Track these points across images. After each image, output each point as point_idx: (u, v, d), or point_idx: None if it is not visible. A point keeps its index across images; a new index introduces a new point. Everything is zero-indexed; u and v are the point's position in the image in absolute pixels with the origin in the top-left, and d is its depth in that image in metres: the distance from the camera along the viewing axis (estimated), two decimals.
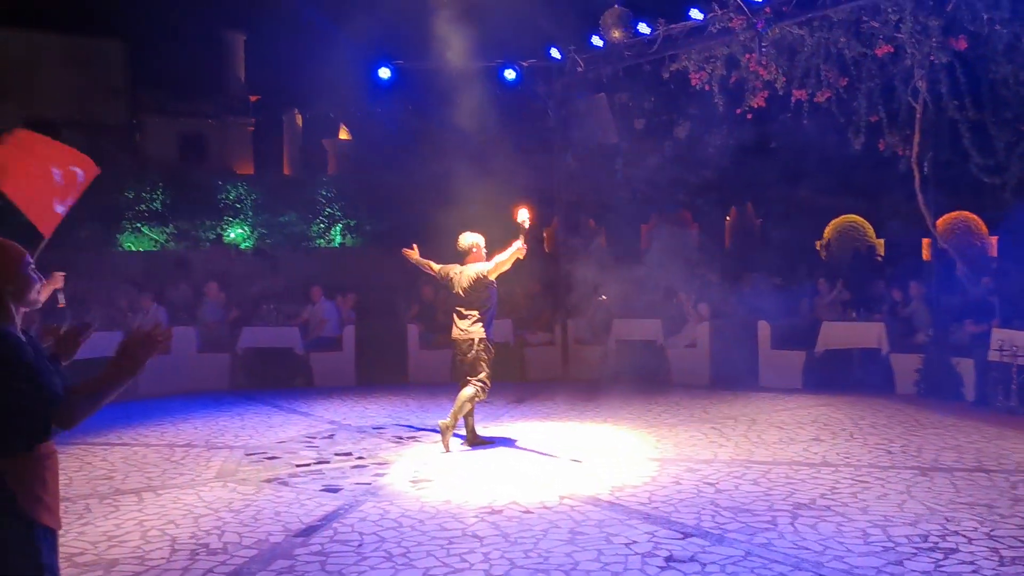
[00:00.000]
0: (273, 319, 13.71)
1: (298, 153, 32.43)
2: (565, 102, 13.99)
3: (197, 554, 5.72)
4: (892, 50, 10.36)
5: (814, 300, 13.47)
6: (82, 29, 29.27)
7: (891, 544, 5.63)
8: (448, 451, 8.57)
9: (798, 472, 7.55)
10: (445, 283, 8.96)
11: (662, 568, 5.29)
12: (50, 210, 6.10)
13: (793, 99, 11.30)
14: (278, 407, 11.41)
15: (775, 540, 5.76)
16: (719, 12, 11.08)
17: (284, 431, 9.86)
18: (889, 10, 10.01)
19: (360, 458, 8.46)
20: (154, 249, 20.33)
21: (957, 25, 9.89)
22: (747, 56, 11.25)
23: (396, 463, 8.23)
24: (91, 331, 3.42)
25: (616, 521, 6.24)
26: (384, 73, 13.51)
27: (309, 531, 6.15)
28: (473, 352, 8.57)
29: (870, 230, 20.03)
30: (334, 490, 7.27)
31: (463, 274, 8.66)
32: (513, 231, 8.49)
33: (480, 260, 8.69)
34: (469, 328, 8.60)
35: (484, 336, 8.61)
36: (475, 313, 8.61)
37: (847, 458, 8.04)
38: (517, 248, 8.43)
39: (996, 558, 5.35)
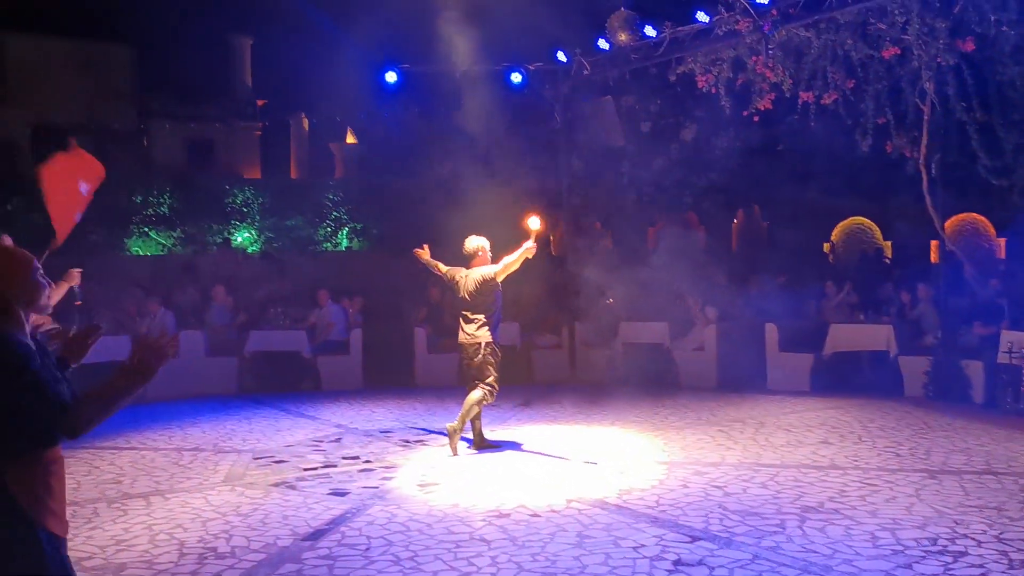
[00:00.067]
0: (280, 323, 13.73)
1: (305, 157, 32.47)
2: (571, 105, 14.00)
3: (205, 558, 5.73)
4: (899, 52, 10.35)
5: (821, 302, 13.44)
6: (90, 34, 29.38)
7: (900, 547, 5.62)
8: (456, 454, 8.56)
9: (806, 475, 7.53)
10: (451, 286, 8.97)
11: (670, 572, 5.28)
12: (71, 219, 6.36)
13: (800, 101, 11.30)
14: (285, 411, 11.42)
15: (783, 543, 5.74)
16: (725, 15, 11.08)
17: (291, 435, 9.87)
18: (896, 12, 10.00)
19: (367, 462, 8.46)
20: (162, 253, 20.38)
21: (964, 27, 9.88)
22: (753, 58, 11.24)
23: (403, 467, 8.23)
24: (100, 333, 3.42)
25: (624, 524, 6.23)
26: (390, 77, 13.53)
27: (317, 535, 6.16)
28: (480, 356, 8.56)
29: (877, 232, 19.98)
30: (341, 494, 7.28)
31: (468, 277, 8.65)
32: (520, 234, 8.50)
33: (486, 264, 8.69)
34: (475, 332, 8.60)
35: (491, 340, 8.60)
36: (481, 317, 8.60)
37: (855, 461, 8.02)
38: (527, 247, 8.43)
39: (1006, 561, 5.33)
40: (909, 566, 5.28)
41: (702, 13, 11.28)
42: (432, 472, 7.98)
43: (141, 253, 20.26)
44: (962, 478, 7.31)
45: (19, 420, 2.79)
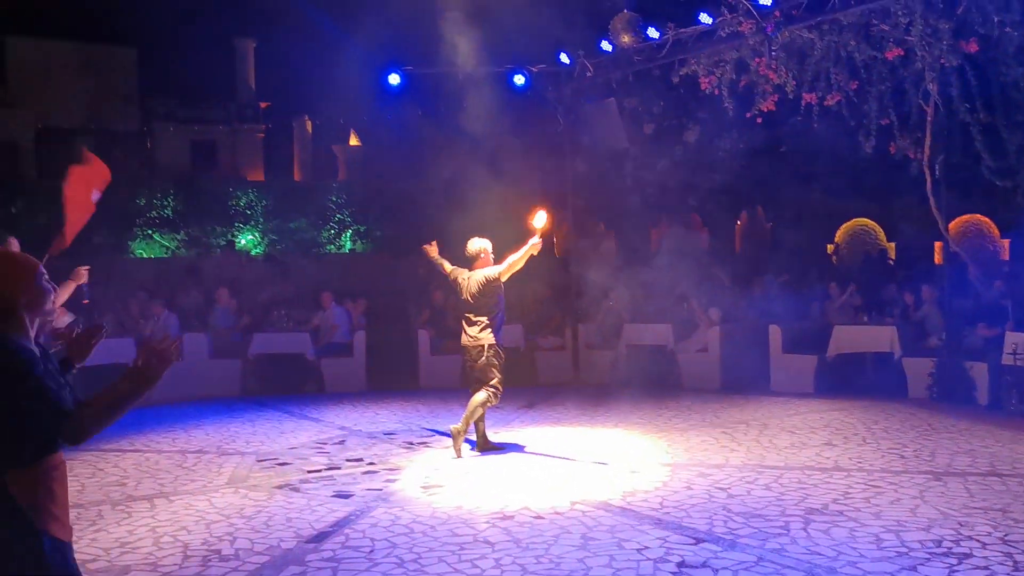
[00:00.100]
0: (284, 325, 13.75)
1: (308, 159, 32.50)
2: (574, 107, 13.99)
3: (209, 560, 5.73)
4: (902, 53, 10.34)
5: (825, 304, 13.43)
6: (93, 36, 29.45)
7: (904, 549, 5.60)
8: (460, 456, 8.56)
9: (810, 477, 7.52)
10: (453, 288, 8.97)
11: (674, 574, 5.28)
12: (81, 225, 6.49)
13: (803, 102, 11.28)
14: (289, 413, 11.43)
15: (788, 545, 5.74)
16: (728, 16, 11.06)
17: (295, 437, 9.87)
18: (899, 13, 9.99)
19: (371, 464, 8.47)
20: (165, 256, 20.41)
21: (967, 28, 9.87)
22: (757, 60, 11.23)
23: (407, 469, 8.23)
24: (103, 333, 3.41)
25: (628, 526, 6.22)
26: (394, 79, 13.54)
27: (321, 537, 6.16)
28: (484, 358, 8.55)
29: (881, 234, 19.97)
30: (345, 496, 7.28)
31: (471, 279, 8.64)
32: (524, 235, 8.49)
33: (488, 265, 8.68)
34: (478, 335, 8.59)
35: (494, 342, 8.59)
36: (483, 319, 8.59)
37: (860, 463, 8.01)
38: (532, 244, 8.43)
39: (1010, 563, 5.32)
40: (914, 568, 5.27)
41: (705, 15, 11.27)
42: (436, 474, 7.98)
43: (145, 255, 20.30)
44: (967, 480, 7.29)
45: (21, 426, 2.79)
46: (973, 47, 9.91)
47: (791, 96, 11.34)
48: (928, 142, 10.83)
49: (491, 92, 13.98)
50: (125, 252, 19.88)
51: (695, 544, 5.81)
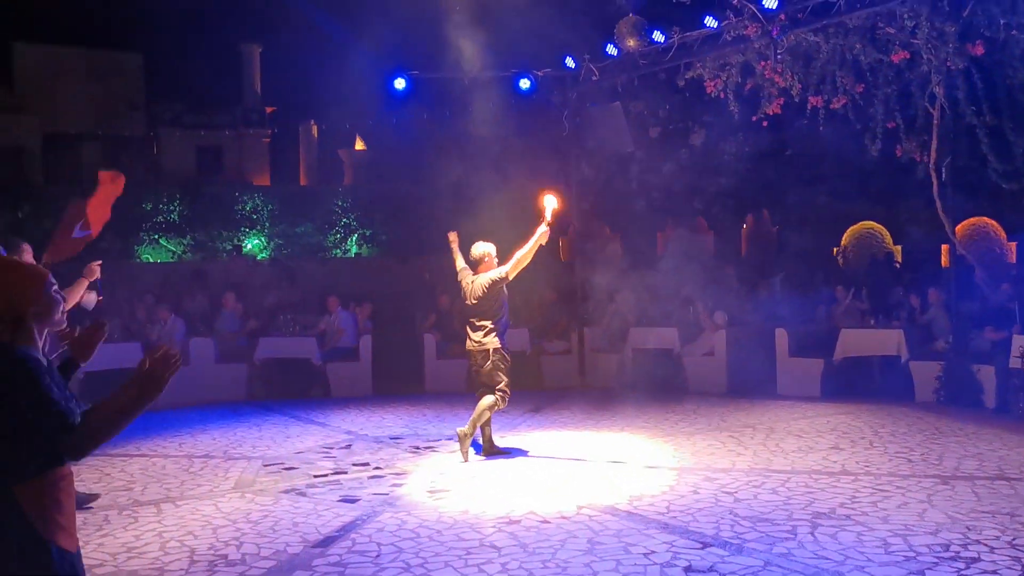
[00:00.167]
0: (290, 330, 13.75)
1: (314, 164, 32.57)
2: (580, 111, 13.99)
3: (216, 565, 5.74)
4: (908, 56, 10.32)
5: (832, 307, 13.40)
6: (100, 43, 29.57)
7: (912, 553, 5.59)
8: (466, 460, 8.56)
9: (817, 481, 7.50)
10: (460, 290, 8.94)
11: None
12: (96, 233, 6.87)
13: (809, 106, 11.27)
14: (295, 417, 11.43)
15: (795, 550, 5.72)
16: (733, 20, 11.06)
17: (301, 441, 9.88)
18: (905, 16, 9.97)
19: (377, 468, 8.46)
20: (171, 260, 20.44)
21: (973, 31, 9.85)
22: (762, 63, 11.22)
23: (413, 473, 8.23)
24: (105, 331, 3.42)
25: (634, 531, 6.21)
26: (399, 84, 13.55)
27: (327, 541, 6.16)
28: (489, 363, 8.54)
29: (888, 237, 19.91)
30: (352, 500, 7.28)
31: (475, 283, 8.62)
32: (528, 235, 8.47)
33: (492, 268, 8.66)
34: (483, 339, 8.57)
35: (499, 346, 8.57)
36: (487, 323, 8.57)
37: (867, 467, 7.99)
38: (541, 233, 8.41)
39: (1019, 567, 5.30)
40: (922, 572, 5.26)
41: (710, 18, 11.27)
42: (442, 479, 7.98)
43: (151, 260, 20.33)
44: (974, 484, 7.27)
45: (25, 437, 2.78)
46: (979, 50, 9.88)
47: (797, 99, 11.32)
48: (934, 145, 10.81)
49: (497, 96, 13.99)
50: (131, 257, 19.91)
51: (702, 548, 5.80)
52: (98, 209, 6.98)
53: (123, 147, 28.40)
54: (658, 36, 11.98)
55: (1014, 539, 5.81)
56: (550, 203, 8.55)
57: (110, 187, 7.02)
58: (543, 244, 8.53)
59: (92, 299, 6.71)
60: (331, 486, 7.80)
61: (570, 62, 13.37)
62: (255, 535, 6.35)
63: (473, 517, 6.66)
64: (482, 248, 8.72)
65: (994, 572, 5.23)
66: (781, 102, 11.51)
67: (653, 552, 5.73)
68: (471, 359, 8.79)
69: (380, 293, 15.76)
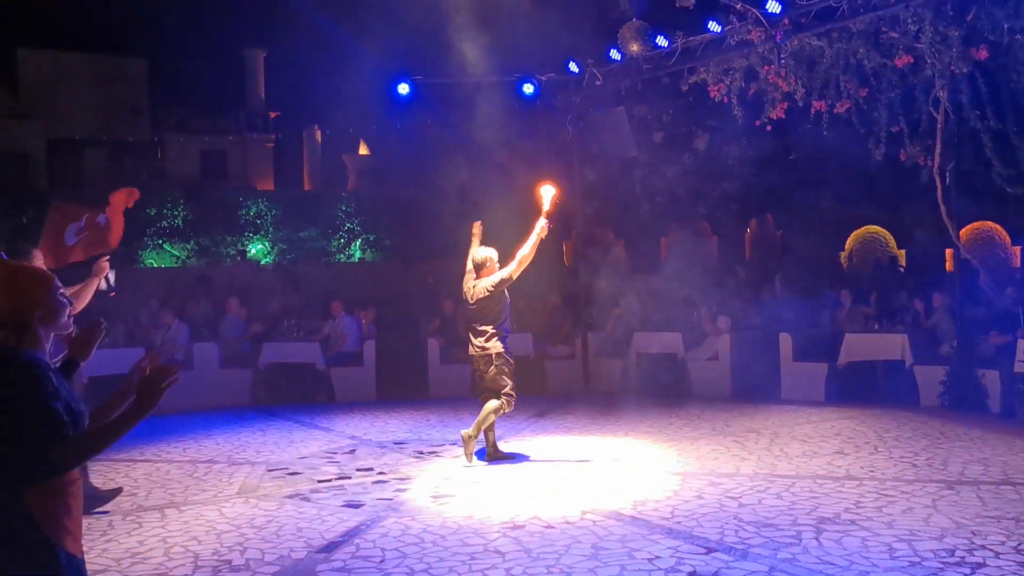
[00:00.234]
0: (294, 334, 13.76)
1: (318, 168, 32.62)
2: (584, 115, 13.98)
3: (220, 571, 5.74)
4: (912, 60, 10.31)
5: (836, 312, 13.38)
6: (105, 48, 29.67)
7: (917, 559, 5.57)
8: (470, 462, 8.56)
9: (822, 486, 7.49)
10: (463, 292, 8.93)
11: None
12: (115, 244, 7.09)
13: (813, 110, 11.27)
14: (299, 422, 11.43)
15: (799, 555, 5.71)
16: (737, 24, 11.06)
17: (305, 446, 9.87)
18: (909, 20, 9.96)
19: (381, 473, 8.46)
20: (175, 265, 20.47)
21: (977, 35, 9.84)
22: (766, 68, 11.22)
23: (417, 478, 8.22)
24: (103, 331, 3.42)
25: (639, 536, 6.20)
26: (403, 89, 13.55)
27: (331, 547, 6.15)
28: (493, 368, 8.53)
29: (892, 241, 19.88)
30: (356, 506, 7.28)
31: (477, 286, 8.62)
32: (530, 230, 8.47)
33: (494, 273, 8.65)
34: (485, 344, 8.56)
35: (501, 350, 8.55)
36: (488, 328, 8.55)
37: (871, 472, 7.97)
38: (541, 227, 8.42)
39: None
40: None
41: (714, 23, 11.26)
42: (446, 484, 7.97)
43: (155, 265, 20.36)
44: (980, 489, 7.25)
45: (18, 442, 2.78)
46: (983, 54, 9.87)
47: (800, 104, 11.32)
48: (938, 149, 10.79)
49: (500, 101, 14.00)
50: (135, 262, 19.95)
51: (706, 554, 5.79)
52: (115, 225, 7.04)
53: (127, 152, 28.48)
54: (662, 41, 11.98)
55: (1019, 544, 5.79)
56: (548, 193, 8.56)
57: (124, 202, 7.07)
58: (544, 238, 8.53)
59: (106, 280, 6.70)
60: (335, 491, 7.80)
61: (574, 67, 13.38)
62: (259, 540, 6.35)
63: (477, 522, 6.65)
64: (484, 253, 8.71)
65: None
66: (785, 106, 11.51)
67: (658, 557, 5.72)
68: (474, 365, 8.78)
69: (384, 298, 15.77)
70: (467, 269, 8.81)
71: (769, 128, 12.01)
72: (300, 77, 33.10)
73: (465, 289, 8.72)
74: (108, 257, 6.81)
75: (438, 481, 8.07)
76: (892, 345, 11.92)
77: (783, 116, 11.68)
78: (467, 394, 12.24)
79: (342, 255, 22.02)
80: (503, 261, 8.68)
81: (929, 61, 10.15)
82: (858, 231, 20.18)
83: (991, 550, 5.69)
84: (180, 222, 20.98)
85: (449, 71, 13.96)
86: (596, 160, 15.40)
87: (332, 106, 27.03)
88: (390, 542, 6.21)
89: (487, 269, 8.63)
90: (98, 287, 6.72)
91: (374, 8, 17.62)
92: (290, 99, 32.02)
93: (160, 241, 20.72)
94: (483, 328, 8.56)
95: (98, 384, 10.66)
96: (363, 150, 30.64)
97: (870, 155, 11.29)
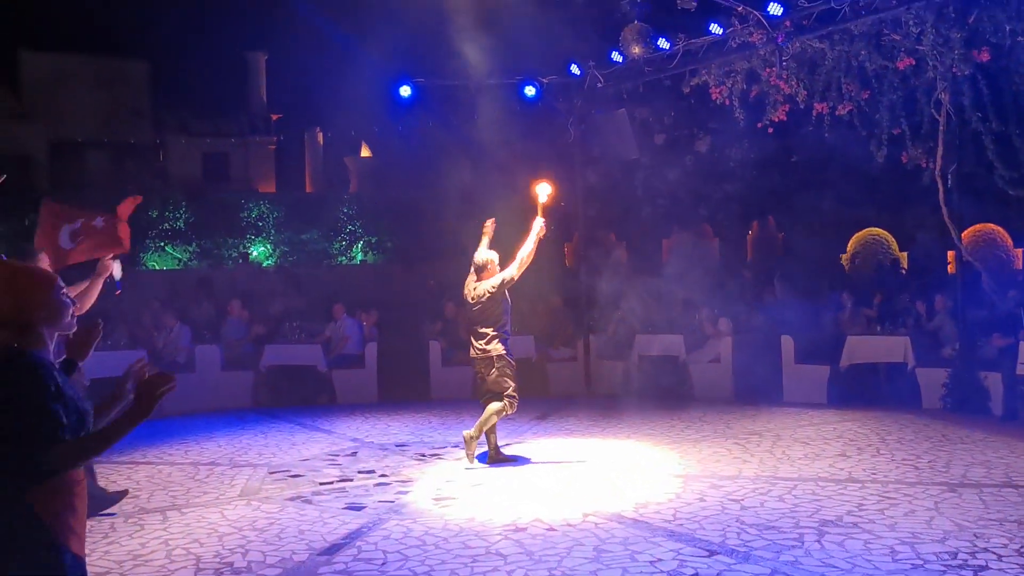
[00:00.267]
0: (296, 337, 13.76)
1: (320, 171, 32.64)
2: (585, 117, 13.98)
3: (221, 573, 5.74)
4: (914, 63, 10.30)
5: (838, 314, 13.36)
6: (107, 50, 29.69)
7: (920, 561, 5.57)
8: (472, 463, 8.56)
9: (824, 488, 7.48)
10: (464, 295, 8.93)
11: None
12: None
13: (814, 112, 11.26)
14: (301, 425, 11.43)
15: (802, 558, 5.71)
16: (739, 27, 11.05)
17: (307, 449, 9.87)
18: (910, 23, 9.96)
19: (383, 476, 8.46)
20: (178, 268, 20.48)
21: (979, 37, 9.83)
22: (767, 70, 11.22)
23: (419, 480, 8.22)
24: (100, 331, 3.42)
25: (641, 538, 6.20)
26: (405, 91, 13.54)
27: (333, 549, 6.15)
28: (495, 370, 8.53)
29: (894, 243, 19.89)
30: (357, 508, 7.27)
31: (477, 288, 8.61)
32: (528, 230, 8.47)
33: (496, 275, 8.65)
34: (486, 346, 8.56)
35: (502, 352, 8.55)
36: (489, 330, 8.55)
37: (874, 474, 7.96)
38: (539, 227, 8.45)
39: None
40: None
41: (715, 25, 11.26)
42: (448, 486, 7.97)
43: (157, 268, 20.37)
44: (982, 491, 7.25)
45: (16, 441, 2.78)
46: (985, 56, 9.87)
47: (802, 106, 11.31)
48: (940, 151, 10.79)
49: (502, 103, 14.00)
50: (137, 264, 19.96)
51: (708, 556, 5.78)
52: (123, 231, 7.05)
53: (129, 154, 28.48)
54: (663, 43, 11.97)
55: (1022, 547, 5.78)
56: (543, 191, 8.57)
57: (130, 210, 7.09)
58: (542, 237, 8.54)
59: (117, 269, 6.69)
60: (337, 493, 7.80)
61: (575, 69, 13.36)
62: (261, 543, 6.35)
63: (479, 525, 6.65)
64: (485, 256, 8.71)
65: None
66: (786, 109, 11.50)
67: (660, 560, 5.71)
68: (475, 367, 8.79)
69: (386, 300, 15.76)
70: (480, 249, 8.81)
71: (771, 130, 11.99)
72: (302, 79, 33.10)
73: (466, 291, 8.72)
74: (112, 256, 6.78)
75: (440, 483, 8.07)
76: (894, 347, 11.91)
77: (785, 118, 11.67)
78: (469, 396, 12.23)
79: (344, 257, 22.03)
80: (503, 263, 8.69)
81: (931, 63, 10.14)
82: (860, 233, 20.20)
83: (994, 553, 5.69)
84: (182, 224, 20.99)
85: (451, 73, 13.96)
86: (598, 162, 15.41)
87: (334, 108, 27.07)
88: (392, 544, 6.21)
89: (488, 271, 8.63)
90: (104, 285, 6.70)
91: (376, 10, 17.65)
92: (292, 101, 32.05)
93: (162, 243, 20.73)
94: (483, 331, 8.57)
95: (100, 386, 10.68)
96: (365, 152, 30.66)
97: (872, 157, 11.28)
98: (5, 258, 5.49)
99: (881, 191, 17.03)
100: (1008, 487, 7.37)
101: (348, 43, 20.88)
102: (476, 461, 8.68)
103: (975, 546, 5.83)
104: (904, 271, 18.60)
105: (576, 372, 14.02)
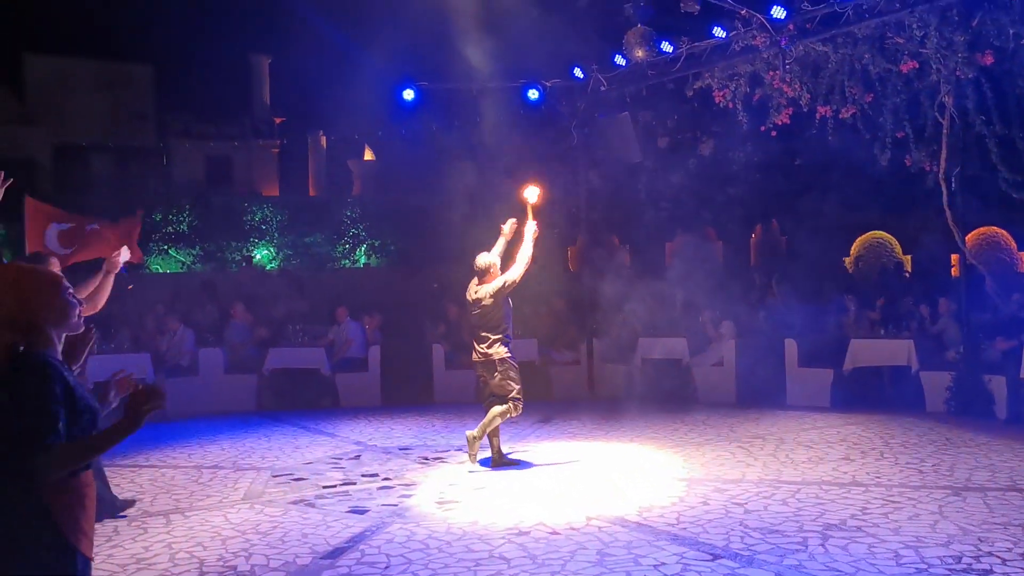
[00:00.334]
0: (299, 340, 13.77)
1: (323, 174, 32.61)
2: (588, 121, 14.00)
3: None
4: (917, 66, 10.30)
5: (841, 317, 13.35)
6: (110, 54, 29.72)
7: (924, 565, 5.56)
8: (474, 462, 8.57)
9: (828, 492, 7.47)
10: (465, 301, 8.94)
11: None
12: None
13: (818, 115, 11.25)
14: (304, 428, 11.44)
15: (806, 562, 5.69)
16: (742, 30, 11.06)
17: (310, 452, 9.87)
18: (914, 26, 9.96)
19: (386, 479, 8.46)
20: (181, 271, 20.50)
21: (983, 40, 9.83)
22: (771, 73, 11.23)
23: (423, 484, 8.22)
24: (92, 338, 3.43)
25: (644, 542, 6.19)
26: (408, 94, 13.57)
27: (336, 553, 6.15)
28: (498, 374, 8.53)
29: (897, 246, 19.87)
30: (361, 511, 7.27)
31: (479, 292, 8.61)
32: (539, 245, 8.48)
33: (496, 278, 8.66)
34: (488, 350, 8.56)
35: (505, 355, 8.55)
36: (491, 334, 8.56)
37: (878, 478, 7.95)
38: (532, 232, 8.51)
39: None
40: None
41: (719, 29, 11.27)
42: (451, 490, 7.96)
43: (161, 271, 20.39)
44: (986, 495, 7.23)
45: (16, 443, 2.78)
46: (988, 59, 9.87)
47: (805, 109, 11.31)
48: (944, 154, 10.78)
49: (505, 107, 14.01)
50: (141, 268, 19.98)
51: (712, 560, 5.77)
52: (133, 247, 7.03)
53: (133, 158, 28.51)
54: (666, 46, 11.99)
55: None
56: (532, 194, 8.64)
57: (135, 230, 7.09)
58: (536, 238, 8.60)
59: (125, 255, 6.64)
60: (340, 497, 7.79)
61: (578, 72, 13.39)
62: (264, 546, 6.35)
63: (482, 528, 6.64)
64: (487, 260, 8.71)
65: None
66: (790, 112, 11.50)
67: (663, 564, 5.71)
68: (477, 371, 8.80)
69: (389, 303, 15.76)
70: (497, 248, 8.83)
71: (774, 133, 11.99)
72: (305, 82, 33.10)
73: (468, 295, 8.73)
74: (118, 252, 6.70)
75: (443, 487, 8.07)
76: (898, 351, 11.89)
77: (788, 121, 11.67)
78: (472, 400, 12.24)
79: (347, 261, 22.03)
80: (502, 267, 8.71)
81: (934, 67, 10.14)
82: (864, 236, 20.18)
83: (998, 557, 5.67)
84: (186, 228, 21.01)
85: (454, 77, 13.98)
86: (601, 166, 15.40)
87: (337, 112, 27.05)
88: (395, 548, 6.21)
89: (490, 275, 8.64)
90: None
91: (379, 14, 17.68)
92: (295, 105, 32.03)
93: (165, 247, 20.74)
94: (485, 334, 8.58)
95: (103, 390, 10.70)
96: (368, 156, 30.64)
97: (875, 160, 11.27)
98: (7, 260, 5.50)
99: (885, 194, 17.01)
100: (1012, 491, 7.36)
101: (351, 46, 20.91)
102: (479, 465, 8.68)
103: (979, 550, 5.81)
104: (908, 274, 18.57)
105: (579, 375, 14.03)
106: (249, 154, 31.32)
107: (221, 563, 5.99)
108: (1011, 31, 9.62)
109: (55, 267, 6.02)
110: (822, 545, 6.01)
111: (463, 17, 13.31)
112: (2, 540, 2.78)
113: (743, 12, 10.82)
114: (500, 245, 8.83)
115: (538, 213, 8.74)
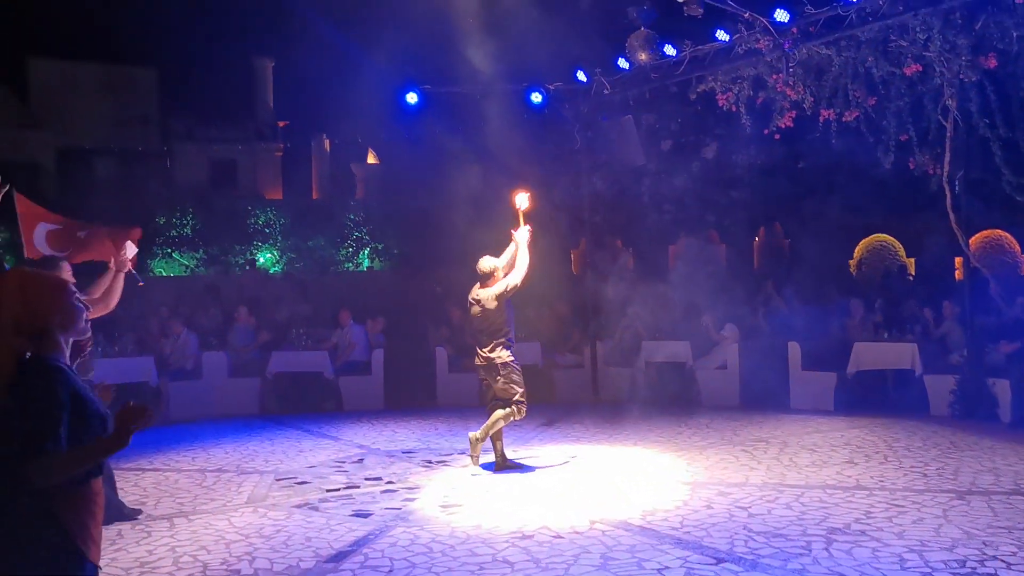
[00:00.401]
0: (302, 343, 13.78)
1: (326, 177, 32.66)
2: (592, 124, 14.00)
3: None
4: (920, 69, 10.29)
5: (845, 320, 13.33)
6: (114, 58, 29.79)
7: (928, 569, 5.55)
8: (476, 463, 8.57)
9: (832, 496, 7.46)
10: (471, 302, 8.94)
11: None
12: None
13: (821, 119, 11.25)
14: (308, 431, 11.44)
15: (810, 566, 5.69)
16: (745, 33, 11.06)
17: (314, 456, 9.88)
18: (917, 29, 9.95)
19: (390, 483, 8.46)
20: (185, 275, 20.53)
21: (986, 43, 9.82)
22: (774, 76, 11.21)
23: (426, 487, 8.22)
24: (89, 343, 3.44)
25: (648, 546, 6.18)
26: (411, 98, 13.58)
27: (340, 556, 6.15)
28: (501, 377, 8.54)
29: (901, 249, 19.85)
30: (364, 515, 7.27)
31: (481, 296, 8.62)
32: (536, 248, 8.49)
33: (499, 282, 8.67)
34: (490, 354, 8.56)
35: (507, 359, 8.54)
36: (494, 338, 8.57)
37: (881, 481, 7.94)
38: (525, 239, 8.54)
39: None
40: None
41: (722, 32, 11.27)
42: (455, 493, 7.96)
43: (164, 274, 20.42)
44: (990, 499, 7.22)
45: (16, 443, 2.79)
46: (992, 62, 9.85)
47: (809, 112, 11.31)
48: (947, 157, 10.76)
49: (508, 110, 14.02)
50: (145, 271, 20.01)
51: (716, 564, 5.77)
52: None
53: (137, 161, 28.58)
54: (670, 50, 11.99)
55: None
56: (522, 201, 8.69)
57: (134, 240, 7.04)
58: (531, 242, 8.65)
59: (130, 252, 6.61)
60: (343, 500, 7.79)
61: (582, 76, 13.39)
62: (268, 550, 6.35)
63: (486, 532, 6.64)
64: (490, 263, 8.71)
65: None
66: (793, 115, 11.49)
67: (667, 568, 5.70)
68: (480, 375, 8.80)
69: (392, 306, 15.78)
70: (510, 249, 8.86)
71: (777, 136, 11.99)
72: (309, 86, 33.17)
73: (470, 299, 8.73)
74: (125, 251, 6.67)
75: (447, 490, 8.06)
76: (902, 354, 11.87)
77: (791, 125, 11.66)
78: (476, 403, 12.23)
79: (350, 264, 22.06)
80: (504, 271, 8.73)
81: (938, 69, 10.13)
82: (867, 239, 20.16)
83: (1002, 560, 5.66)
84: (189, 231, 21.06)
85: (457, 80, 13.98)
86: (604, 169, 15.39)
87: (340, 115, 27.12)
88: (399, 552, 6.21)
89: (492, 279, 8.65)
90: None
91: (383, 17, 17.67)
92: (299, 108, 32.09)
93: (169, 250, 20.78)
94: (487, 338, 8.58)
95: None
96: (371, 159, 30.69)
97: (879, 163, 11.26)
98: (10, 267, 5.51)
99: (888, 197, 16.99)
100: (1017, 494, 7.34)
101: (355, 49, 20.91)
102: (482, 468, 8.68)
103: (984, 554, 5.80)
104: (911, 277, 18.55)
105: (583, 379, 14.03)
106: (253, 157, 31.37)
107: (225, 567, 5.99)
108: (1015, 34, 9.61)
109: (66, 273, 6.01)
110: (826, 549, 6.00)
111: (466, 20, 13.33)
112: (11, 544, 2.78)
113: (746, 15, 10.81)
114: (508, 252, 8.85)
115: (530, 218, 8.75)
